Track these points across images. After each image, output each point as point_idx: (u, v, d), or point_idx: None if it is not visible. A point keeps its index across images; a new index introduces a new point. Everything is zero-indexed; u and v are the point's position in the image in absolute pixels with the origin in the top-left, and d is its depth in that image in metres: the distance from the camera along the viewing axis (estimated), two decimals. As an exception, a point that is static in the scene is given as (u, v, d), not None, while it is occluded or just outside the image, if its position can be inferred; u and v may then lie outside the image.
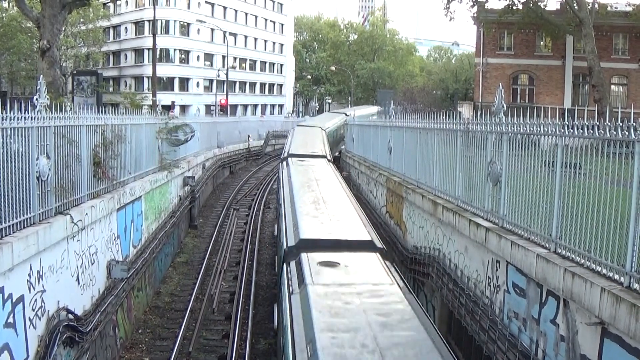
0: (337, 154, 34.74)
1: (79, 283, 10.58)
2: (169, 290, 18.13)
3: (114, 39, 75.48)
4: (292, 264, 8.76)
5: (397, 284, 7.85)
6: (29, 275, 8.35)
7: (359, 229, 10.87)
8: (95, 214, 11.38)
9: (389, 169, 18.87)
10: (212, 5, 79.25)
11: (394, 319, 6.51)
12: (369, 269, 8.51)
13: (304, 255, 8.81)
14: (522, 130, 8.88)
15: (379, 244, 9.95)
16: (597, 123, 6.93)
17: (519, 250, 8.20)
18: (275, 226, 16.61)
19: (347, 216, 12.14)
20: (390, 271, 8.41)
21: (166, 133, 19.65)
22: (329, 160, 23.28)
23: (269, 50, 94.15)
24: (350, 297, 7.16)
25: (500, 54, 42.90)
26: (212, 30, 75.69)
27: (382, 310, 6.71)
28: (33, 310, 8.47)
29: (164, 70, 67.82)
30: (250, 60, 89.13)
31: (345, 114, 43.41)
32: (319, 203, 13.47)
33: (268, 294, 18.13)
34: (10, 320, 7.72)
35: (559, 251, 7.57)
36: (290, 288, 7.80)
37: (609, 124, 6.63)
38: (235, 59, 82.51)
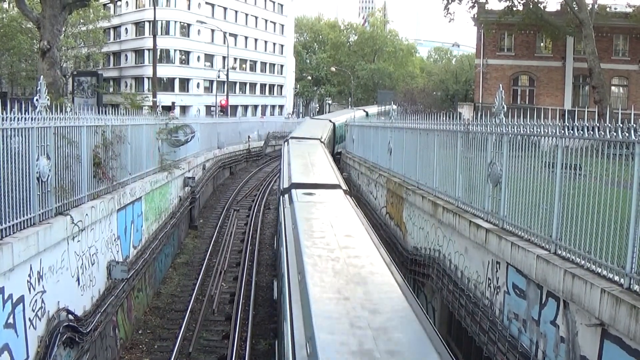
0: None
1: (79, 284, 10.58)
2: (169, 290, 18.14)
3: (114, 39, 75.48)
4: (286, 195, 13.93)
5: (349, 202, 13.08)
6: (29, 275, 8.36)
7: (332, 179, 16.76)
8: (96, 214, 11.39)
9: (389, 170, 18.87)
10: (213, 6, 79.25)
11: (342, 214, 11.83)
12: (333, 196, 13.85)
13: (293, 190, 13.89)
14: (522, 131, 8.88)
15: (343, 186, 15.60)
16: (597, 124, 6.93)
17: (519, 251, 8.20)
18: (277, 187, 22.31)
19: (325, 173, 18.16)
20: (346, 198, 13.75)
21: (166, 134, 19.66)
22: (321, 142, 29.24)
23: (269, 51, 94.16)
24: (319, 207, 12.48)
25: (501, 55, 42.90)
26: (213, 31, 75.68)
27: (336, 211, 12.04)
28: (33, 310, 8.48)
29: (164, 71, 67.85)
30: (250, 61, 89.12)
31: (364, 111, 47.64)
32: (307, 165, 19.76)
33: (268, 295, 18.14)
34: (11, 320, 7.72)
35: (559, 252, 7.56)
36: (284, 205, 12.92)
37: (609, 125, 6.62)
38: (235, 59, 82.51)
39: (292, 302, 7.28)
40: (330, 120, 39.93)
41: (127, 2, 74.63)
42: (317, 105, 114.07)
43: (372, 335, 6.21)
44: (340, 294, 7.39)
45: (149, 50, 67.47)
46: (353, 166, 28.27)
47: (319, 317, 6.62)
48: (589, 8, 32.95)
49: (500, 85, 11.69)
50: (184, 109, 68.67)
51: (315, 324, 6.40)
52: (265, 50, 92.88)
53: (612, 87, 40.77)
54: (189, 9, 74.17)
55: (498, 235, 8.98)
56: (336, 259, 8.69)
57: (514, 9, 35.93)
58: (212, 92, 74.40)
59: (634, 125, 6.18)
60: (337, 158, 32.35)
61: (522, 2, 35.77)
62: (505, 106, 9.91)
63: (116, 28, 75.02)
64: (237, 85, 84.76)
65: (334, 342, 6.08)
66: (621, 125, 6.38)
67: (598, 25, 34.35)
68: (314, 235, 9.96)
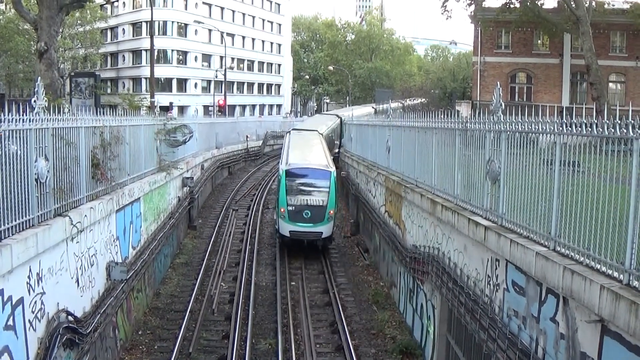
0: None
1: (78, 285, 10.57)
2: (168, 291, 18.13)
3: (111, 40, 75.38)
4: (288, 133, 31.73)
5: (319, 137, 29.88)
6: (29, 277, 8.34)
7: (316, 127, 33.42)
8: (94, 215, 11.38)
9: (388, 168, 18.88)
10: (210, 5, 79.18)
11: (313, 141, 28.60)
12: (311, 134, 30.74)
13: (292, 130, 33.19)
14: (520, 128, 8.88)
15: (320, 131, 31.94)
16: (595, 121, 6.93)
17: (518, 248, 8.20)
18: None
19: (316, 126, 34.16)
20: (319, 135, 30.58)
21: (165, 134, 19.65)
22: (338, 117, 40.43)
23: (267, 51, 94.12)
24: (303, 136, 30.11)
25: (498, 53, 42.89)
26: (210, 30, 75.60)
27: (311, 139, 29.17)
28: (33, 312, 8.47)
29: (162, 71, 67.79)
30: (248, 60, 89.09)
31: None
32: (307, 124, 38.71)
33: (268, 294, 18.16)
34: (10, 322, 7.71)
35: (558, 249, 7.56)
36: (286, 135, 31.47)
37: (607, 121, 6.63)
38: (233, 59, 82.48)
39: (283, 155, 25.68)
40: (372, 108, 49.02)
41: (124, 2, 74.49)
42: (315, 104, 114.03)
43: (309, 157, 24.33)
44: (302, 153, 25.07)
45: (146, 50, 67.34)
46: (352, 165, 28.28)
47: (290, 155, 24.14)
48: (586, 5, 32.93)
49: (498, 82, 11.70)
50: (181, 109, 68.63)
51: (290, 156, 24.04)
52: (263, 49, 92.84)
53: (610, 84, 40.75)
54: (186, 9, 74.10)
55: (497, 233, 8.98)
56: (305, 147, 26.20)
57: (512, 6, 35.90)
58: (209, 92, 74.27)
59: (632, 121, 6.19)
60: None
61: (519, -1, 35.76)
62: (503, 103, 9.91)
63: (113, 29, 74.89)
64: (235, 85, 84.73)
65: (295, 157, 23.84)
66: (619, 121, 6.39)
67: (595, 21, 34.29)
68: (297, 142, 27.24)
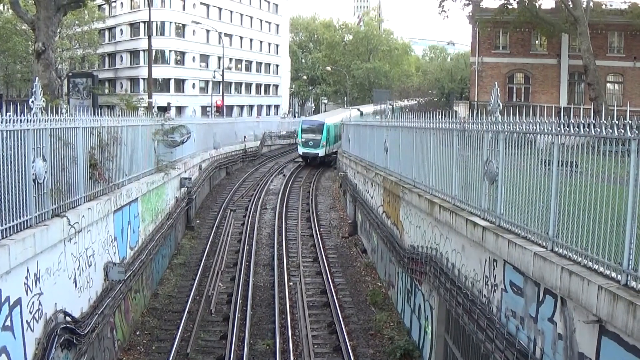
0: None
1: (76, 285, 10.56)
2: (166, 291, 18.11)
3: (109, 40, 75.33)
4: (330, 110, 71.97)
5: (350, 112, 50.08)
6: (26, 278, 8.33)
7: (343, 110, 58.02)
8: (92, 216, 11.36)
9: (386, 169, 18.88)
10: (207, 6, 79.15)
11: (333, 112, 60.83)
12: (342, 109, 60.31)
13: (331, 110, 73.20)
14: (518, 129, 8.89)
15: (361, 109, 51.36)
16: (593, 121, 6.94)
17: (516, 248, 8.21)
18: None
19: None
20: (350, 110, 52.63)
21: (162, 134, 19.63)
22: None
23: (265, 51, 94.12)
24: (332, 115, 54.58)
25: (496, 53, 42.92)
26: (208, 31, 75.55)
27: (338, 112, 56.56)
28: (30, 313, 8.45)
29: (159, 71, 67.74)
30: (245, 61, 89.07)
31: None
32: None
33: (266, 294, 18.15)
34: (8, 323, 7.70)
35: (556, 249, 7.57)
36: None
37: (605, 122, 6.63)
38: (230, 60, 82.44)
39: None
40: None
41: (121, 3, 74.42)
42: (313, 105, 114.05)
43: (317, 117, 55.64)
44: (317, 116, 63.38)
45: (144, 51, 67.30)
46: (349, 165, 28.29)
47: (310, 116, 67.00)
48: (583, 5, 32.97)
49: (496, 83, 11.70)
50: (179, 109, 68.56)
51: (309, 117, 65.67)
52: (261, 50, 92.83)
53: (608, 84, 40.78)
54: (183, 9, 74.05)
55: (495, 233, 8.98)
56: (321, 114, 68.62)
57: (509, 6, 35.91)
58: (207, 92, 74.30)
59: (630, 122, 6.19)
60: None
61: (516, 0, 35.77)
62: (500, 104, 9.91)
63: (111, 29, 74.84)
64: (233, 86, 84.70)
65: (310, 117, 61.58)
66: (617, 122, 6.39)
67: (593, 22, 34.34)
68: (321, 113, 75.07)
